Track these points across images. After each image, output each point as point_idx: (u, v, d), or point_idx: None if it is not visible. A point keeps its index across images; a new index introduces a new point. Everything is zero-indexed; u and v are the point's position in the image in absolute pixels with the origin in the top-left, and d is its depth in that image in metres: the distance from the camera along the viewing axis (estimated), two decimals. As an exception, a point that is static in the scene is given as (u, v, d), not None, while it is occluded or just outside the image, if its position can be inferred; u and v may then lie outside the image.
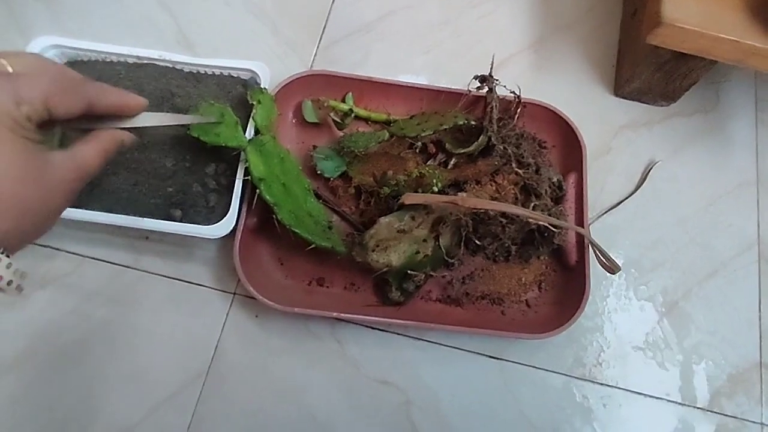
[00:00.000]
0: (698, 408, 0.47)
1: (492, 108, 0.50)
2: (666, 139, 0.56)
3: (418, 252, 0.45)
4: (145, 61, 0.49)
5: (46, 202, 0.26)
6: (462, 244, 0.47)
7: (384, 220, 0.44)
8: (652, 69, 0.52)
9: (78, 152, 0.28)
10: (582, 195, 0.49)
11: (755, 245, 0.52)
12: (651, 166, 0.54)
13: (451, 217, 0.45)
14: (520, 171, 0.49)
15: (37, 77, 0.26)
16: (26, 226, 0.25)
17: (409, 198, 0.43)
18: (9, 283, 0.24)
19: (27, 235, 0.25)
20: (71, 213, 0.43)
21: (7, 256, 0.24)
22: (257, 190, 0.43)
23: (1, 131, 0.24)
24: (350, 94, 0.53)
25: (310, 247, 0.43)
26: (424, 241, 0.45)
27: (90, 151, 0.29)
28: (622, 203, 0.53)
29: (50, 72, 0.28)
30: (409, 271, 0.44)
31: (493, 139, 0.49)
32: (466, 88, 0.50)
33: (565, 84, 0.58)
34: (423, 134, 0.48)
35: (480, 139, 0.49)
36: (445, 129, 0.49)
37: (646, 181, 0.54)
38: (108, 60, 0.49)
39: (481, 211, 0.45)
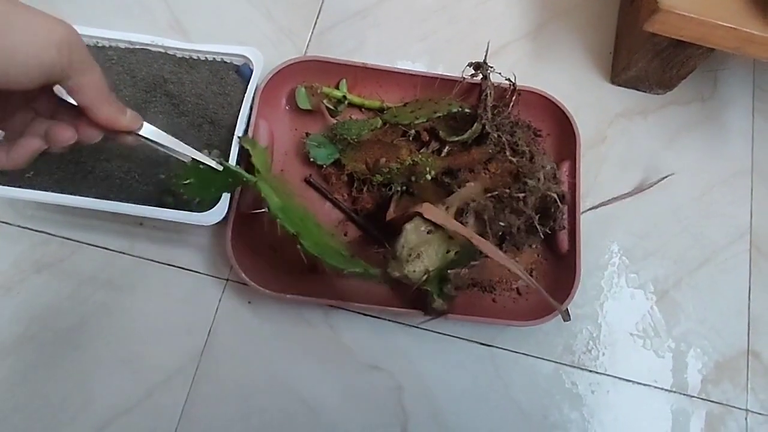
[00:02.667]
0: (685, 395, 0.47)
1: (486, 95, 0.49)
2: (662, 127, 0.56)
3: (449, 251, 0.43)
4: (138, 47, 0.48)
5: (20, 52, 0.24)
6: (488, 229, 0.44)
7: (408, 226, 0.43)
8: (649, 56, 0.52)
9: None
10: (575, 183, 0.49)
11: (747, 234, 0.52)
12: (666, 176, 0.53)
13: (471, 205, 0.44)
14: (514, 159, 0.49)
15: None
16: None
17: (427, 212, 0.42)
18: None
19: None
20: (65, 199, 0.43)
21: None
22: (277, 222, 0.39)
23: None
24: (344, 80, 0.53)
25: (343, 273, 0.40)
26: (450, 238, 0.43)
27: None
28: (620, 200, 0.53)
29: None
30: (448, 271, 0.42)
31: (487, 126, 0.49)
32: (461, 76, 0.50)
33: (562, 72, 0.58)
34: (416, 122, 0.48)
35: (474, 126, 0.49)
36: (439, 116, 0.49)
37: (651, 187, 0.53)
38: (100, 45, 0.48)
39: (496, 190, 0.44)
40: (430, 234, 0.42)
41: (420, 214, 0.42)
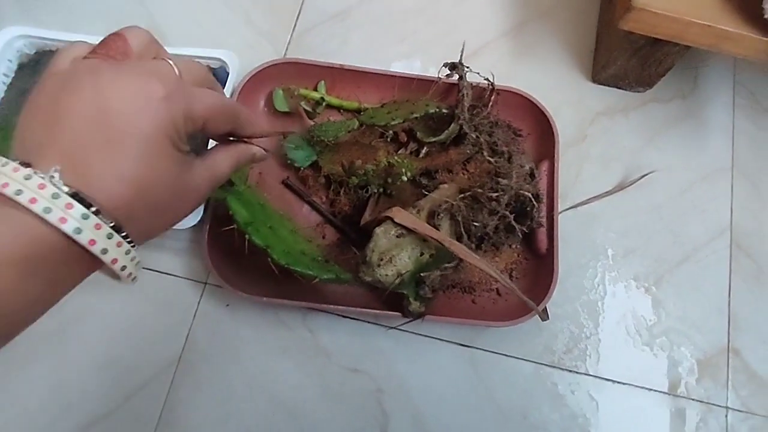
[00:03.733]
0: (666, 393, 0.47)
1: (463, 96, 0.49)
2: (642, 125, 0.56)
3: (422, 253, 0.43)
4: (113, 51, 0.48)
5: (181, 207, 0.27)
6: (463, 230, 0.44)
7: (378, 230, 0.42)
8: (627, 55, 0.52)
9: (213, 162, 0.29)
10: (553, 183, 0.49)
11: (727, 231, 0.52)
12: (646, 174, 0.53)
13: (443, 207, 0.44)
14: (492, 159, 0.49)
15: (206, 96, 0.26)
16: (158, 226, 0.26)
17: (397, 216, 0.42)
18: (123, 268, 0.23)
19: (153, 233, 0.26)
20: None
21: (133, 246, 0.24)
22: (246, 236, 0.40)
23: (165, 143, 0.24)
24: (322, 82, 0.52)
25: (314, 281, 0.41)
26: (425, 241, 0.43)
27: (224, 162, 0.29)
28: (600, 198, 0.53)
29: (215, 93, 0.28)
30: (421, 274, 0.42)
31: (464, 127, 0.49)
32: (437, 76, 0.50)
33: (543, 71, 0.58)
34: (392, 123, 0.48)
35: (451, 127, 0.49)
36: (416, 117, 0.48)
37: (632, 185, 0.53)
38: (75, 50, 0.48)
39: (470, 191, 0.44)
40: (401, 238, 0.42)
41: (390, 219, 0.42)
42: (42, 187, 0.20)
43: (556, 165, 0.50)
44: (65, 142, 0.22)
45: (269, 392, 0.46)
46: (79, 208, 0.21)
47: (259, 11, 0.58)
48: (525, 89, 0.52)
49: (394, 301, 0.45)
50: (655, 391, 0.47)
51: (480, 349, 0.48)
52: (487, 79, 0.50)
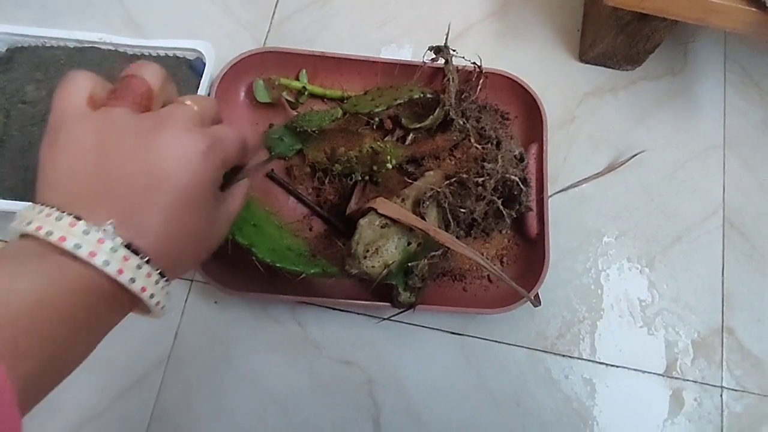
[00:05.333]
0: (660, 375, 0.47)
1: (449, 80, 0.48)
2: (632, 104, 0.55)
3: (410, 243, 0.42)
4: (87, 45, 0.47)
5: (207, 250, 0.29)
6: (450, 217, 0.44)
7: (363, 221, 0.42)
8: (614, 32, 0.50)
9: (232, 203, 0.30)
10: (542, 166, 0.48)
11: (720, 210, 0.51)
12: (637, 154, 0.52)
13: (429, 194, 0.43)
14: (479, 145, 0.48)
15: (230, 136, 0.27)
16: (189, 267, 0.28)
17: (381, 207, 0.41)
18: (158, 303, 0.25)
19: (183, 273, 0.28)
20: (20, 206, 0.42)
21: (166, 280, 0.25)
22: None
23: (207, 195, 0.26)
24: (304, 71, 0.51)
25: (301, 277, 0.40)
26: (411, 230, 0.42)
27: (237, 201, 0.31)
28: (590, 180, 0.52)
29: (231, 129, 0.28)
30: (409, 264, 0.41)
31: (451, 113, 0.48)
32: (422, 61, 0.49)
33: (530, 51, 0.57)
34: (376, 110, 0.47)
35: (436, 112, 0.48)
36: (401, 103, 0.47)
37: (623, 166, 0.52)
38: (48, 45, 0.47)
39: (455, 176, 0.44)
40: (386, 228, 0.41)
41: (374, 209, 0.41)
42: (101, 242, 0.22)
43: (544, 148, 0.49)
44: (116, 198, 0.23)
45: (260, 387, 0.45)
46: (134, 260, 0.23)
47: (237, 0, 0.56)
48: (511, 71, 0.51)
49: (384, 291, 0.44)
50: (650, 373, 0.47)
51: (472, 336, 0.47)
52: (474, 63, 0.49)
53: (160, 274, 0.24)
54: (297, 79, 0.51)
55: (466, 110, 0.49)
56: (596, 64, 0.56)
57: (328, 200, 0.48)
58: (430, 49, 0.48)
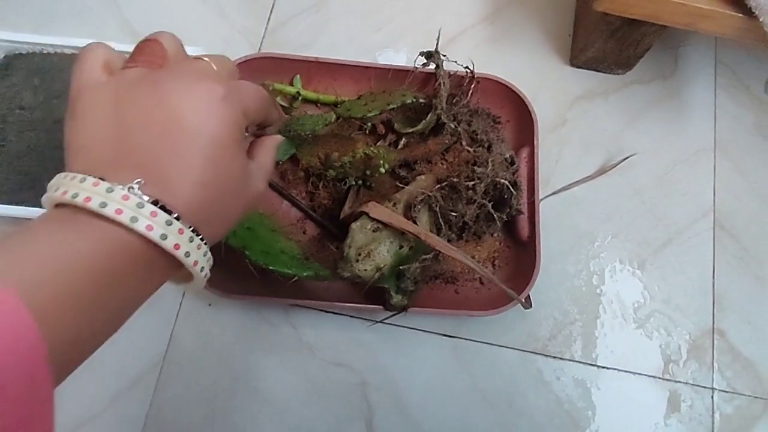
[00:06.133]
0: (651, 376, 0.47)
1: (440, 85, 0.49)
2: (623, 108, 0.55)
3: (401, 246, 0.42)
4: (83, 52, 0.48)
5: (244, 208, 0.27)
6: (441, 220, 0.44)
7: (355, 225, 0.42)
8: (604, 37, 0.51)
9: (263, 158, 0.29)
10: (534, 169, 0.49)
11: (710, 212, 0.52)
12: (628, 157, 0.53)
13: (420, 198, 0.43)
14: (471, 148, 0.49)
15: (250, 89, 0.26)
16: (226, 227, 0.26)
17: (373, 211, 0.41)
18: (201, 269, 0.24)
19: (221, 235, 0.26)
20: (15, 210, 0.43)
21: (203, 240, 0.24)
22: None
23: (233, 144, 0.24)
24: (298, 76, 0.52)
25: (293, 280, 0.41)
26: (403, 234, 0.42)
27: (269, 156, 0.30)
28: (581, 183, 0.52)
29: (252, 84, 0.27)
30: (401, 267, 0.42)
31: (442, 117, 0.48)
32: (413, 66, 0.49)
33: (522, 56, 0.57)
34: (369, 114, 0.47)
35: (428, 117, 0.48)
36: (393, 108, 0.48)
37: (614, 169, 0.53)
38: (45, 52, 0.48)
39: (447, 180, 0.44)
40: (378, 232, 0.42)
41: (366, 213, 0.41)
42: (126, 198, 0.21)
43: (535, 151, 0.49)
44: (139, 155, 0.22)
45: (254, 389, 0.46)
46: (163, 216, 0.21)
47: (233, 5, 0.57)
48: (503, 75, 0.51)
49: (376, 294, 0.45)
50: (641, 374, 0.47)
51: (464, 338, 0.48)
52: (466, 68, 0.49)
53: (193, 231, 0.23)
54: (291, 84, 0.52)
55: (457, 114, 0.50)
56: (587, 68, 0.57)
57: (322, 204, 0.48)
58: (421, 54, 0.49)
